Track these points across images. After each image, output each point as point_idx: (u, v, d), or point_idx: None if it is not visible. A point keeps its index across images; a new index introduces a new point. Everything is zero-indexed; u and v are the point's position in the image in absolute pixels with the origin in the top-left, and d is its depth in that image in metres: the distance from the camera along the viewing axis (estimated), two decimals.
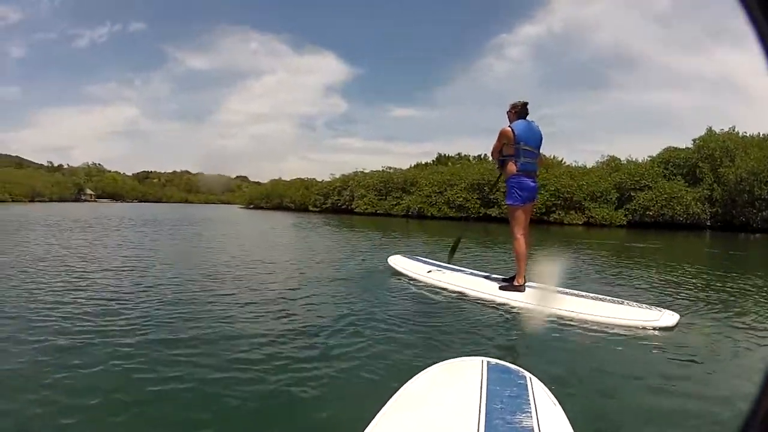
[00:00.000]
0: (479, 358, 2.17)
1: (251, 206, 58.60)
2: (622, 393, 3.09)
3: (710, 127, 30.67)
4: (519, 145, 5.39)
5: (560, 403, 1.79)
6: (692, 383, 3.30)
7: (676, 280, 7.74)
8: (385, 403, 1.77)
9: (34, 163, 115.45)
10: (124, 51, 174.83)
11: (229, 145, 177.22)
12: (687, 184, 28.91)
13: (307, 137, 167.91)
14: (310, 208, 45.59)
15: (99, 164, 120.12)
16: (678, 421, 2.77)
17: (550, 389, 1.92)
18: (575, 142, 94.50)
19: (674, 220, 27.68)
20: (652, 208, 28.20)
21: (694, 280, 7.68)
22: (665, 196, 27.95)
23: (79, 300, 5.10)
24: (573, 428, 1.65)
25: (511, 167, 5.44)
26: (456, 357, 2.94)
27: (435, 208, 32.76)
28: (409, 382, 1.94)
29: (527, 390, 1.86)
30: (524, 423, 1.62)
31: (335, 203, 42.41)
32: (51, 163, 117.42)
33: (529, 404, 1.74)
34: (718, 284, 7.30)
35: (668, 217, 27.80)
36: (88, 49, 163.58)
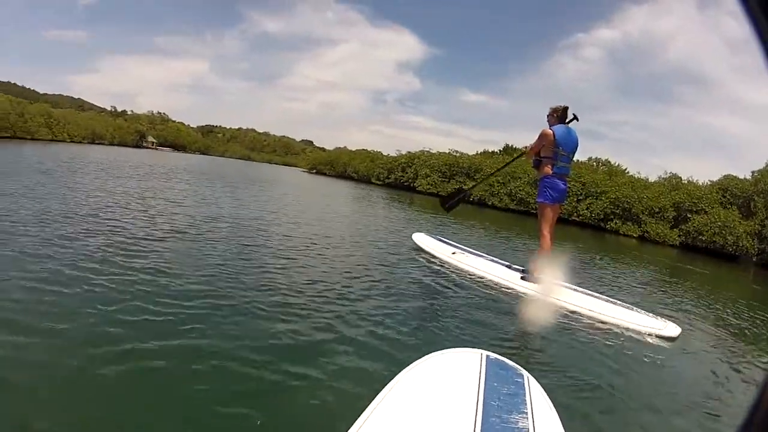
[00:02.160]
0: (479, 351, 2.19)
1: (314, 171, 59.06)
2: (616, 398, 3.25)
3: None
4: (558, 150, 5.80)
5: (555, 407, 1.84)
6: (683, 393, 3.59)
7: (697, 301, 8.03)
8: (380, 390, 1.78)
9: (97, 106, 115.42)
10: (198, 6, 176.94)
11: (296, 108, 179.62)
12: (741, 215, 28.40)
13: (376, 110, 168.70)
14: (373, 180, 46.01)
15: (163, 113, 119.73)
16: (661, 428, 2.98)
17: (544, 387, 1.96)
18: (637, 152, 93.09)
19: (724, 250, 27.21)
20: (705, 233, 27.65)
21: (716, 306, 7.90)
22: (719, 223, 27.40)
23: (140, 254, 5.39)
24: None
25: (547, 168, 5.88)
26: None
27: (497, 198, 32.90)
28: (406, 369, 1.96)
29: (524, 389, 1.89)
30: (520, 424, 1.64)
31: (398, 179, 42.42)
32: (114, 108, 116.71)
33: (526, 404, 1.77)
34: (737, 314, 7.44)
35: (719, 245, 27.30)
36: (159, 0, 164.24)
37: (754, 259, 28.01)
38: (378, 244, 8.37)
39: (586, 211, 29.99)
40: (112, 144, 79.26)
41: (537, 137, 5.87)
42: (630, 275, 10.29)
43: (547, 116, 5.98)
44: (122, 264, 4.77)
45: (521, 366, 2.16)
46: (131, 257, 5.09)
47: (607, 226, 29.26)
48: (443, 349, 2.27)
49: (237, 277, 4.93)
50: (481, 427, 1.60)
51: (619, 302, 5.61)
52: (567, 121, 5.93)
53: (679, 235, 28.91)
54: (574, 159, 6.12)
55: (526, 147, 6.22)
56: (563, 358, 3.90)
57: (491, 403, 1.72)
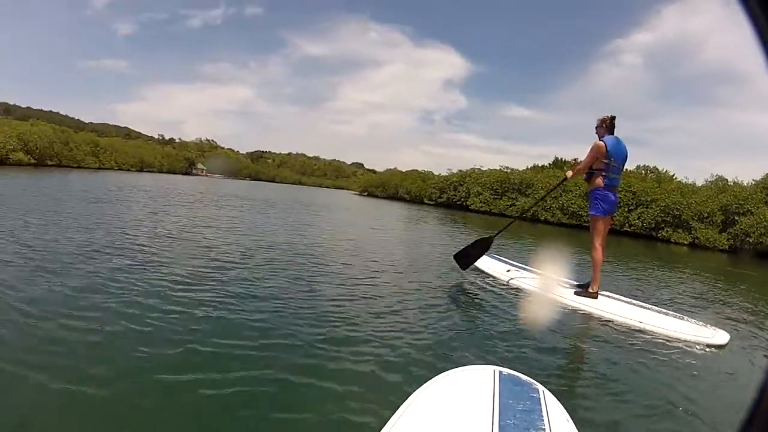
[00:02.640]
0: (491, 368, 2.20)
1: (365, 193, 59.15)
2: (654, 410, 3.20)
3: None
4: (609, 161, 5.75)
5: (573, 419, 1.83)
6: (722, 402, 3.47)
7: (747, 306, 7.93)
8: (396, 410, 1.81)
9: (144, 135, 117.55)
10: (240, 34, 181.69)
11: (345, 131, 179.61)
12: None
13: (423, 130, 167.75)
14: (425, 200, 45.76)
15: (212, 140, 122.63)
16: None
17: (574, 403, 1.87)
18: (682, 157, 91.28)
19: None
20: (752, 234, 27.22)
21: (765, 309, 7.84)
22: (765, 223, 26.93)
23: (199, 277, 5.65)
24: None
25: (599, 180, 5.84)
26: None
27: (549, 213, 33.19)
28: (420, 389, 1.99)
29: (540, 404, 1.88)
30: None
31: (450, 198, 42.73)
32: (162, 136, 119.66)
33: (543, 420, 1.76)
34: None
35: (766, 245, 26.69)
36: (201, 30, 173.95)
37: None
38: (430, 265, 8.30)
39: (637, 221, 29.86)
40: (161, 171, 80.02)
41: (589, 150, 5.85)
42: (681, 284, 10.33)
43: (596, 127, 5.98)
44: (175, 298, 4.70)
45: (540, 381, 2.16)
46: (185, 290, 5.02)
47: (659, 235, 29.03)
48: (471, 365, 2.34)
49: (289, 304, 4.94)
50: None
51: (669, 312, 5.60)
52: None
53: (728, 239, 28.51)
54: (624, 169, 6.07)
55: (574, 160, 6.46)
56: (607, 371, 3.91)
57: (507, 421, 1.71)
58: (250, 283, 5.53)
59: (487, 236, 6.99)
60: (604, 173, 5.80)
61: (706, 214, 29.05)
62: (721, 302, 8.12)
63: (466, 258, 7.07)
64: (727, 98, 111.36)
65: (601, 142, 5.76)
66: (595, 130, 5.98)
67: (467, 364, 2.53)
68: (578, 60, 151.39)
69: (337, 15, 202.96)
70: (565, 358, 4.24)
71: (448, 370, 2.20)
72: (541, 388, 2.03)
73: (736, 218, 28.79)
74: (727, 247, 28.09)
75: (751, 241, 27.61)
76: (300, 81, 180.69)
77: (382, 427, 1.72)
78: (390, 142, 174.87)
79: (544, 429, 1.69)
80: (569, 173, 6.23)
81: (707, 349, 4.70)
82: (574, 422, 1.81)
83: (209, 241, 8.39)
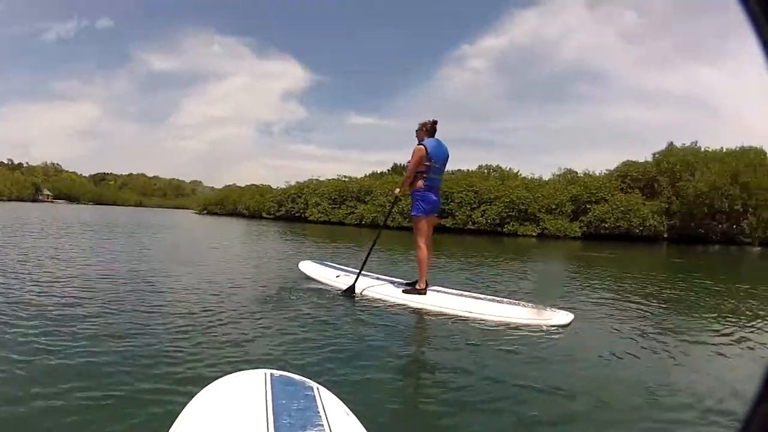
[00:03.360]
0: (262, 371, 2.09)
1: (205, 212, 57.70)
2: (483, 392, 3.11)
3: (671, 142, 31.59)
4: (430, 163, 5.86)
5: (355, 413, 1.80)
6: (557, 379, 3.36)
7: (591, 284, 8.47)
8: (172, 425, 1.65)
9: None
10: (91, 49, 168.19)
11: (186, 147, 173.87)
12: (645, 197, 29.35)
13: (264, 143, 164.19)
14: (264, 215, 44.60)
15: (57, 164, 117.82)
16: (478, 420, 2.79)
17: (359, 398, 2.29)
18: (535, 154, 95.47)
19: (630, 233, 27.89)
20: (608, 220, 28.24)
21: (614, 286, 8.35)
22: (621, 208, 28.08)
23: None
24: None
25: (419, 182, 5.90)
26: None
27: (390, 218, 31.35)
28: (192, 401, 1.83)
29: (316, 401, 1.83)
30: None
31: (289, 211, 41.54)
32: (11, 160, 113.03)
33: (320, 416, 1.70)
34: (637, 289, 7.87)
35: (624, 229, 27.93)
36: (55, 44, 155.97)
37: (665, 235, 29.45)
38: (261, 278, 7.75)
39: (481, 219, 29.77)
40: (10, 200, 78.20)
41: (411, 156, 6.03)
42: (525, 272, 10.51)
43: (416, 131, 6.13)
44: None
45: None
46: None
47: (505, 230, 29.09)
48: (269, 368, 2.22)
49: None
50: None
51: (505, 300, 5.69)
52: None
53: (581, 227, 29.28)
54: (446, 170, 6.40)
55: (408, 163, 6.29)
56: (443, 362, 3.72)
57: (282, 421, 1.63)
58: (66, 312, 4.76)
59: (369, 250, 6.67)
60: (425, 175, 5.88)
61: (554, 206, 29.64)
62: (566, 285, 8.53)
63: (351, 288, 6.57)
64: (583, 94, 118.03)
65: (422, 146, 5.88)
66: (415, 134, 6.13)
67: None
68: (424, 66, 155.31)
69: (183, 28, 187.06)
70: (393, 352, 3.99)
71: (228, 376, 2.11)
72: (315, 385, 1.97)
73: (588, 207, 29.68)
74: (579, 234, 28.85)
75: (607, 226, 28.68)
76: (145, 97, 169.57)
77: None
78: (231, 156, 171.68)
79: (321, 424, 1.63)
80: (397, 190, 6.39)
81: (546, 331, 4.74)
82: (356, 415, 1.79)
83: (49, 274, 7.01)
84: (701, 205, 27.77)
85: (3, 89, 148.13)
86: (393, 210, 6.65)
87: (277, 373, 2.07)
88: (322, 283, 6.97)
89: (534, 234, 28.38)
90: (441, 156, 6.00)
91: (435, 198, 6.02)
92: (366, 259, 6.36)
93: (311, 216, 37.75)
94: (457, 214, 29.68)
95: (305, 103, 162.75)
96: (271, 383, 1.93)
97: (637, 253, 20.02)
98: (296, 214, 40.39)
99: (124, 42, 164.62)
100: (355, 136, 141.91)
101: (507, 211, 29.12)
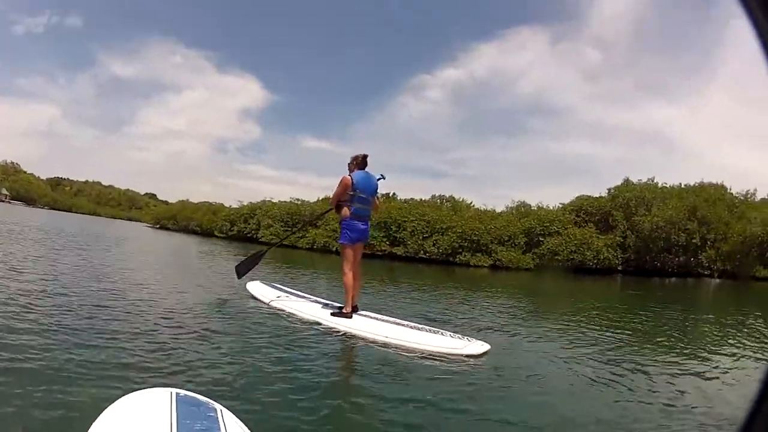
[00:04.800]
0: (168, 390, 2.09)
1: (158, 226, 56.72)
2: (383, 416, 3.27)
3: (627, 178, 32.05)
4: (355, 193, 6.23)
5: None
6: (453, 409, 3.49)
7: (518, 313, 9.19)
8: None
9: None
10: (57, 46, 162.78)
11: (141, 158, 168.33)
12: (599, 231, 29.61)
13: (218, 160, 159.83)
14: (216, 233, 44.00)
15: (16, 163, 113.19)
16: None
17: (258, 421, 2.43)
18: (488, 187, 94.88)
19: (584, 265, 27.89)
20: (561, 252, 28.22)
21: (545, 315, 8.98)
22: (575, 241, 28.16)
23: None
24: None
25: (345, 211, 6.27)
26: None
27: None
28: (98, 420, 1.81)
29: (218, 423, 1.86)
30: None
31: (241, 231, 40.88)
32: None
33: None
34: (565, 319, 8.47)
35: (578, 261, 27.96)
36: (24, 38, 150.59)
37: (619, 268, 29.61)
38: (201, 299, 7.72)
39: (433, 248, 29.41)
40: None
41: (337, 185, 6.32)
42: (468, 303, 10.55)
43: (348, 164, 6.45)
44: None
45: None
46: None
47: (457, 260, 28.78)
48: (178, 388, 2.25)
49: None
50: None
51: (425, 328, 5.87)
52: (377, 178, 6.48)
53: (533, 259, 29.34)
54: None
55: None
56: (356, 386, 3.98)
57: None
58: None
59: (262, 250, 8.18)
60: (350, 204, 6.23)
61: (507, 237, 29.64)
62: (493, 315, 8.56)
63: (244, 266, 7.92)
64: (539, 129, 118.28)
65: (348, 177, 6.24)
66: (347, 166, 6.45)
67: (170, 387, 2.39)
68: (379, 94, 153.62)
69: (147, 35, 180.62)
70: (299, 377, 4.01)
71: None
72: (219, 407, 2.03)
73: (541, 239, 29.74)
74: (532, 266, 28.90)
75: (559, 258, 28.60)
76: (104, 102, 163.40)
77: None
78: (185, 171, 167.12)
79: None
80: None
81: (460, 359, 4.91)
82: None
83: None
84: (657, 239, 28.09)
85: None
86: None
87: (182, 392, 2.07)
88: (260, 301, 7.39)
89: (486, 264, 28.21)
90: (368, 187, 6.36)
91: (362, 227, 6.38)
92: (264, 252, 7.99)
93: (263, 237, 36.76)
94: (408, 242, 29.31)
95: (261, 122, 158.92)
96: (177, 402, 1.94)
97: (590, 284, 20.29)
98: (248, 235, 39.72)
99: (90, 43, 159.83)
100: (308, 160, 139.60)
101: (459, 241, 28.94)
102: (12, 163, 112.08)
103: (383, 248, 29.22)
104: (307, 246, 32.82)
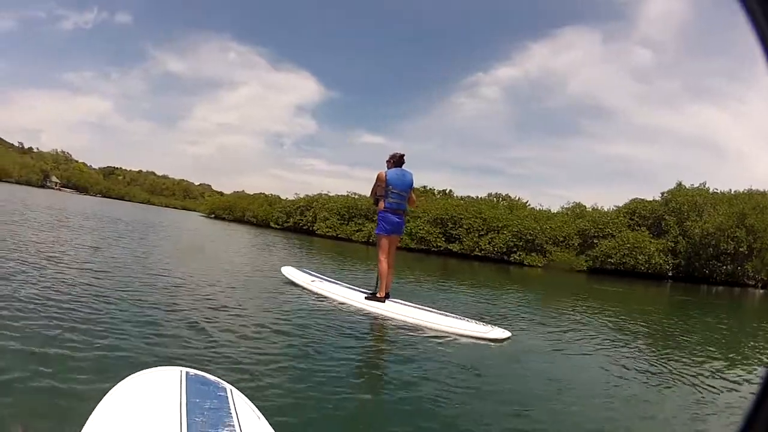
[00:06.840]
0: (178, 368, 2.12)
1: (212, 216, 57.29)
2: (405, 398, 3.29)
3: (680, 182, 31.21)
4: (389, 188, 6.68)
5: (266, 415, 1.87)
6: (470, 390, 3.60)
7: (562, 310, 9.37)
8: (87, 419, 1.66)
9: (5, 141, 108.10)
10: (107, 42, 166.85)
11: (196, 151, 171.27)
12: (651, 235, 29.12)
13: (273, 154, 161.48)
14: (272, 224, 44.56)
15: (67, 152, 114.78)
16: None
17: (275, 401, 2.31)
18: (542, 186, 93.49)
19: (636, 269, 27.63)
20: (614, 255, 28.05)
21: (591, 318, 8.40)
22: (628, 245, 27.88)
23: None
24: None
25: (382, 204, 6.74)
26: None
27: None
28: (107, 395, 1.82)
29: (228, 402, 1.87)
30: None
31: (297, 223, 41.41)
32: (21, 144, 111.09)
33: (231, 417, 1.74)
34: (604, 321, 8.18)
35: (630, 265, 27.69)
36: (72, 33, 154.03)
37: (669, 274, 29.12)
38: (249, 280, 8.64)
39: (488, 246, 29.62)
40: (18, 183, 79.02)
41: (375, 179, 6.75)
42: (526, 301, 10.29)
43: (387, 161, 6.89)
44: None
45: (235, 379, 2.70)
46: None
47: (511, 258, 29.01)
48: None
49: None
50: None
51: (453, 315, 6.12)
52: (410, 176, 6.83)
53: (587, 261, 29.06)
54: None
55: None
56: (376, 367, 4.12)
57: (194, 419, 1.67)
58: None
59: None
60: (385, 198, 6.65)
61: (561, 238, 29.51)
62: (531, 309, 8.75)
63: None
64: (590, 129, 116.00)
65: (382, 172, 6.68)
66: (386, 163, 6.87)
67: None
68: (437, 91, 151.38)
69: (199, 32, 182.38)
70: (320, 357, 4.03)
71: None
72: (228, 387, 2.04)
73: (595, 241, 29.48)
74: (585, 268, 28.68)
75: (612, 261, 28.48)
76: (158, 97, 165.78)
77: None
78: (240, 164, 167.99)
79: (232, 425, 1.70)
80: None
81: (481, 343, 5.19)
82: (266, 418, 1.87)
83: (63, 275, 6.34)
84: (707, 246, 27.57)
85: (16, 73, 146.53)
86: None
87: (192, 371, 2.11)
88: (297, 285, 7.72)
89: (540, 264, 28.25)
90: (401, 184, 6.73)
91: (397, 220, 6.76)
92: None
93: (319, 230, 37.72)
94: (464, 239, 29.66)
95: (317, 117, 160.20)
96: (187, 381, 1.99)
97: (641, 289, 19.99)
98: (304, 227, 40.31)
99: (141, 39, 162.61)
100: (363, 155, 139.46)
101: (514, 240, 29.05)
102: (63, 152, 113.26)
103: (439, 245, 29.70)
104: (363, 240, 33.34)
